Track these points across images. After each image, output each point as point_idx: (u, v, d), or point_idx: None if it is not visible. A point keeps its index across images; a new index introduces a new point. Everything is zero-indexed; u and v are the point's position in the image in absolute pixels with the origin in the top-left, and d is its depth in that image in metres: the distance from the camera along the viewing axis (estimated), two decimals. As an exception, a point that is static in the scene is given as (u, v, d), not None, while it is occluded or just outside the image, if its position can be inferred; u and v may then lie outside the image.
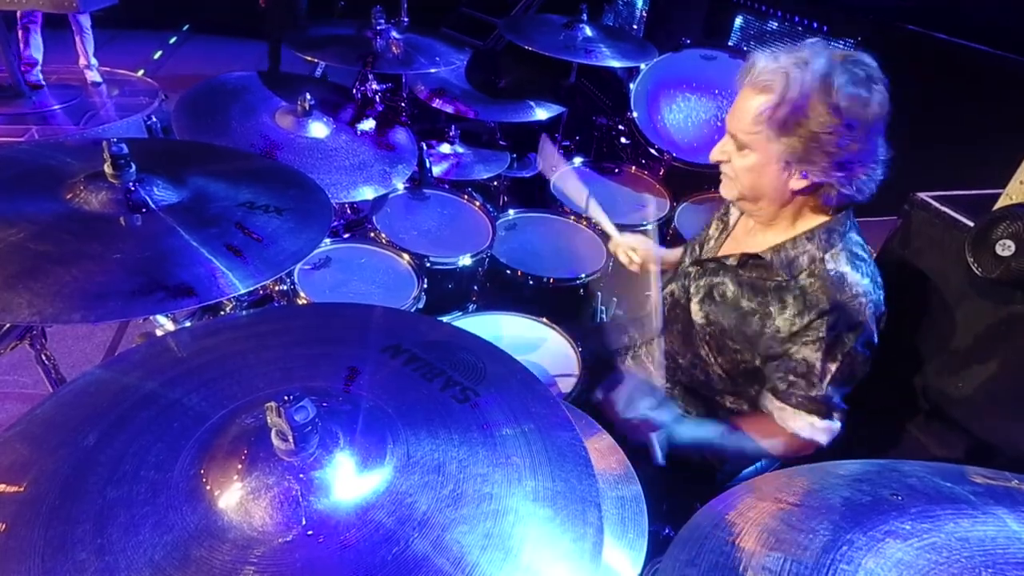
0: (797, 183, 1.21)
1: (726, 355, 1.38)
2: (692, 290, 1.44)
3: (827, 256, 1.24)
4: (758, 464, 1.59)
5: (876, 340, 1.23)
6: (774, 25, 3.18)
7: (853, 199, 1.23)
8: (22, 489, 0.69)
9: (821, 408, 1.26)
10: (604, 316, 2.20)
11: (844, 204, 1.25)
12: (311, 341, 0.99)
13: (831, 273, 1.22)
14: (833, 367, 1.22)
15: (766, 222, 1.33)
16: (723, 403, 1.47)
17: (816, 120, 1.13)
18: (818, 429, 1.27)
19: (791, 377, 1.26)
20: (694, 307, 1.42)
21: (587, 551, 0.69)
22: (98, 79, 4.38)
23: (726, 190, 1.34)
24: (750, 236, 1.39)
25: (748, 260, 1.33)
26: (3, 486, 0.69)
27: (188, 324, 1.67)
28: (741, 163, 1.25)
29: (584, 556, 0.69)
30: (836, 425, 1.28)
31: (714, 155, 1.31)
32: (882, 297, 1.25)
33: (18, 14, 3.91)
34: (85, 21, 4.31)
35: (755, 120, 1.17)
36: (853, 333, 1.20)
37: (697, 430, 1.35)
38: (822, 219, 1.27)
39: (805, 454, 1.31)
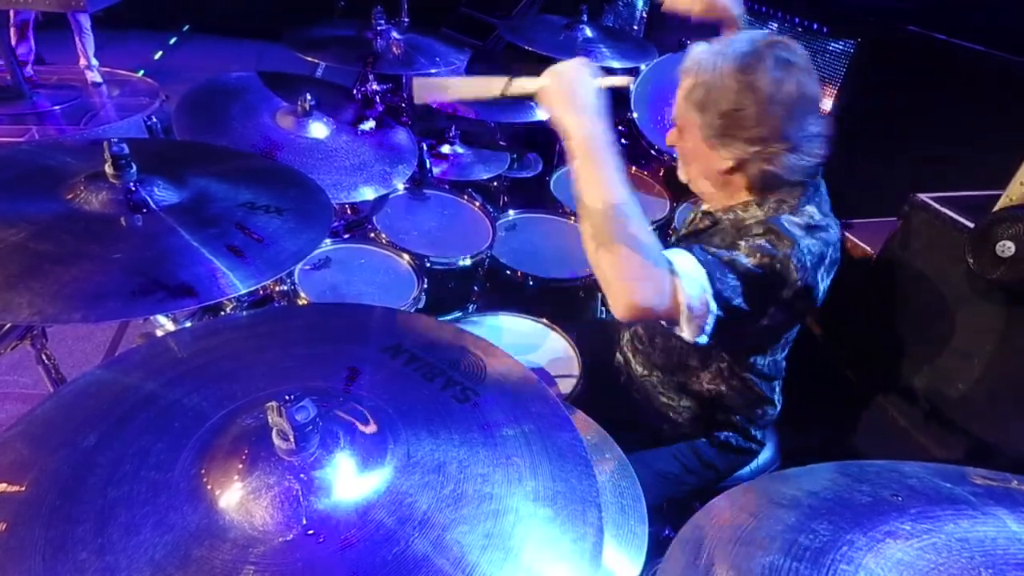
0: (723, 162, 1.24)
1: None
2: None
3: (770, 216, 1.22)
4: (756, 465, 1.59)
5: (808, 263, 1.15)
6: (774, 26, 3.18)
7: (781, 178, 1.23)
8: (23, 489, 0.69)
9: (708, 264, 1.10)
10: (604, 316, 2.20)
11: (777, 184, 1.25)
12: (311, 341, 1.00)
13: (767, 222, 1.18)
14: (751, 240, 1.14)
15: (719, 207, 1.34)
16: (700, 384, 1.46)
17: (727, 97, 1.17)
18: (684, 315, 1.07)
19: (704, 252, 1.13)
20: None
21: (587, 551, 0.69)
22: (98, 79, 4.38)
23: (679, 172, 1.40)
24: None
25: (700, 218, 1.36)
26: (4, 486, 0.69)
27: (188, 324, 1.67)
28: (681, 145, 1.32)
29: (584, 556, 0.69)
30: (702, 302, 1.06)
31: (667, 139, 1.38)
32: (812, 263, 1.17)
33: (11, 13, 3.90)
34: (85, 21, 4.31)
35: (680, 99, 1.26)
36: (776, 249, 1.12)
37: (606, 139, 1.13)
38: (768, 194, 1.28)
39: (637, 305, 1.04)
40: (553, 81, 1.14)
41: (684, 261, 1.09)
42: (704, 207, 1.38)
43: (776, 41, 1.19)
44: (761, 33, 1.23)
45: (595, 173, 1.06)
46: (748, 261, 1.12)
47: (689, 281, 1.06)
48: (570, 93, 1.11)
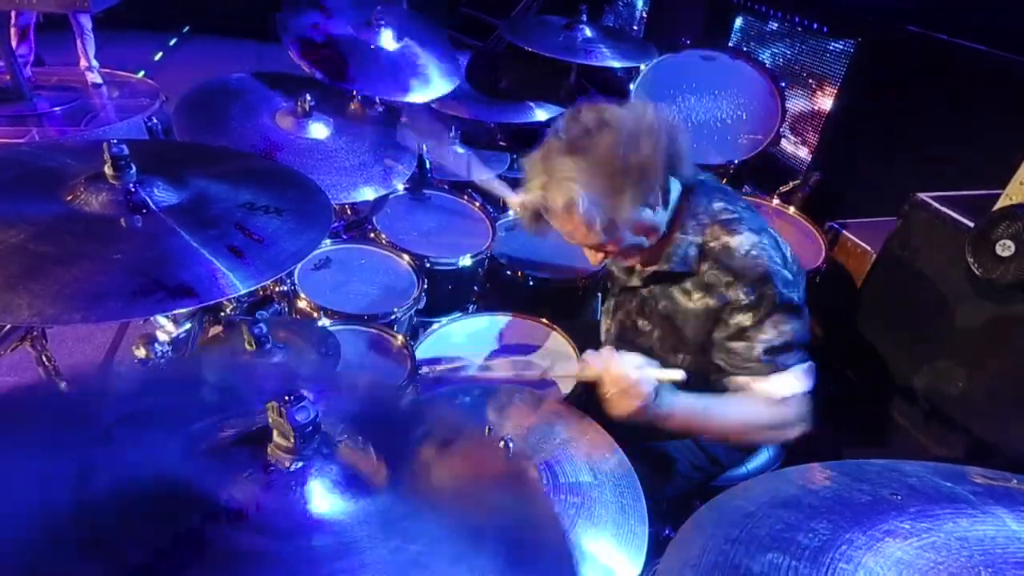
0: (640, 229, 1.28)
1: (683, 352, 1.40)
2: (634, 310, 1.49)
3: (705, 238, 1.29)
4: (757, 464, 1.59)
5: (792, 277, 1.25)
6: (774, 26, 3.18)
7: (658, 202, 1.26)
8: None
9: (773, 365, 1.25)
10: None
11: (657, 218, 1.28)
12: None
13: (716, 249, 1.27)
14: (767, 323, 1.24)
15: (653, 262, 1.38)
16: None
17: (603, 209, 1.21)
18: (787, 383, 1.25)
19: (732, 344, 1.27)
20: (641, 321, 1.47)
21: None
22: (99, 80, 4.38)
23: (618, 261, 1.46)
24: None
25: (654, 277, 1.39)
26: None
27: (188, 326, 1.67)
28: (604, 250, 1.35)
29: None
30: (801, 377, 1.26)
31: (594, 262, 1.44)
32: (776, 240, 1.28)
33: (12, 15, 3.90)
34: (86, 22, 4.31)
35: (570, 226, 1.28)
36: (766, 284, 1.22)
37: (684, 396, 1.33)
38: (671, 216, 1.31)
39: (790, 424, 1.27)
40: (612, 390, 1.20)
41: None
42: (647, 269, 1.40)
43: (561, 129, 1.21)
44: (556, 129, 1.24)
45: (704, 429, 1.31)
46: (767, 323, 1.23)
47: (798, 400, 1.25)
48: (637, 398, 1.17)
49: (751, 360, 1.26)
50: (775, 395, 1.25)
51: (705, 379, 1.41)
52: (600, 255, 1.37)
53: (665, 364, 1.36)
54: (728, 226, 1.27)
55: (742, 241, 1.24)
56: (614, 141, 1.16)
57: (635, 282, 1.44)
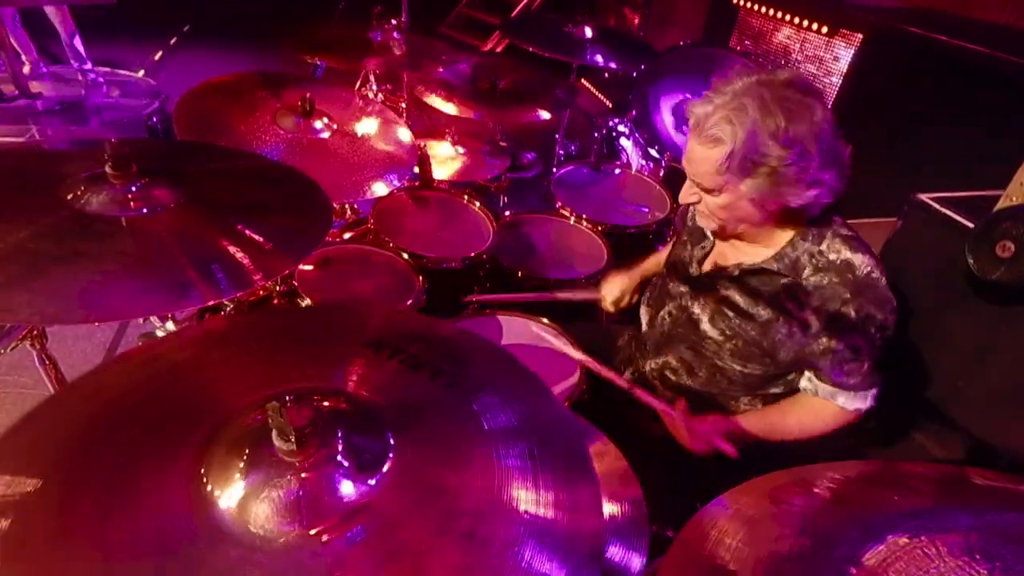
0: (773, 207, 1.24)
1: (754, 362, 1.37)
2: (696, 309, 1.43)
3: (823, 248, 1.27)
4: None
5: (895, 307, 1.27)
6: (774, 26, 3.18)
7: (832, 201, 1.26)
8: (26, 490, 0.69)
9: (870, 380, 1.30)
10: (604, 318, 2.19)
11: (826, 208, 1.27)
12: (295, 343, 0.98)
13: (837, 263, 1.25)
14: (874, 341, 1.26)
15: (750, 240, 1.35)
16: (737, 407, 1.46)
17: (773, 157, 1.16)
18: (870, 397, 1.32)
19: (843, 364, 1.28)
20: (706, 325, 1.41)
21: (586, 554, 0.69)
22: (98, 80, 4.38)
23: (704, 223, 1.37)
24: (735, 249, 1.40)
25: (750, 271, 1.34)
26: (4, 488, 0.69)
27: (187, 325, 1.67)
28: (713, 202, 1.28)
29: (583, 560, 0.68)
30: (872, 397, 1.33)
31: (684, 198, 1.34)
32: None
33: (11, 12, 3.89)
34: (66, 20, 4.28)
35: (716, 170, 1.21)
36: (880, 308, 1.24)
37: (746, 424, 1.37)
38: (804, 219, 1.30)
39: (850, 423, 1.36)
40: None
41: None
42: (744, 262, 1.35)
43: (777, 80, 1.18)
44: (748, 74, 1.20)
45: (768, 438, 1.34)
46: (872, 340, 1.25)
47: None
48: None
49: (859, 375, 1.28)
50: (862, 407, 1.32)
51: (756, 385, 1.42)
52: (698, 197, 1.30)
53: (731, 371, 1.40)
54: (849, 241, 1.26)
55: (864, 259, 1.24)
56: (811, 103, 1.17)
57: (731, 271, 1.38)
